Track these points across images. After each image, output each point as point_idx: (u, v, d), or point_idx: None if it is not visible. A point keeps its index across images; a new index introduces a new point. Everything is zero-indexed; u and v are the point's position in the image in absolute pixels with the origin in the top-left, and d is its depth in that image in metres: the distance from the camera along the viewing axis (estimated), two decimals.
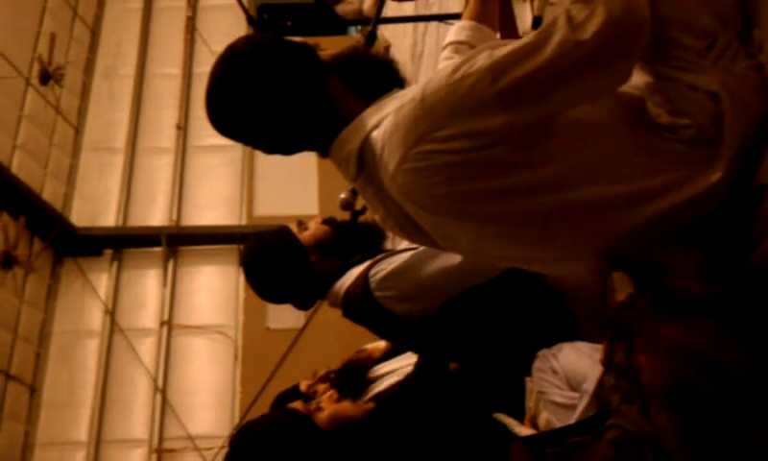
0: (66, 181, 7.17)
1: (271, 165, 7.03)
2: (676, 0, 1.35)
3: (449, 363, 2.39)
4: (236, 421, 6.22)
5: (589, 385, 1.82)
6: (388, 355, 2.78)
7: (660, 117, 1.34)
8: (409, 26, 4.97)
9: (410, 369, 2.53)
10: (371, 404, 2.36)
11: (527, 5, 1.82)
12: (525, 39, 1.29)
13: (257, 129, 1.54)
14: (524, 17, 1.84)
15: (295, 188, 6.91)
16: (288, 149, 1.59)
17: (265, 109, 1.50)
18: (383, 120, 1.43)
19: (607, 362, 1.64)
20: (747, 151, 1.31)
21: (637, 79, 1.38)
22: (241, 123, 1.54)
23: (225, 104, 1.52)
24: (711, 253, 1.37)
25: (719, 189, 1.31)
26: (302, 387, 2.83)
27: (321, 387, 2.78)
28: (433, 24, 4.16)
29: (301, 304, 2.48)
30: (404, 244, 2.25)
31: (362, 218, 2.62)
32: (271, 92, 1.49)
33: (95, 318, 6.72)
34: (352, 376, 2.75)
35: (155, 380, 6.44)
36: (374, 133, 1.44)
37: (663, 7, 1.33)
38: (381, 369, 2.73)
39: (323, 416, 2.24)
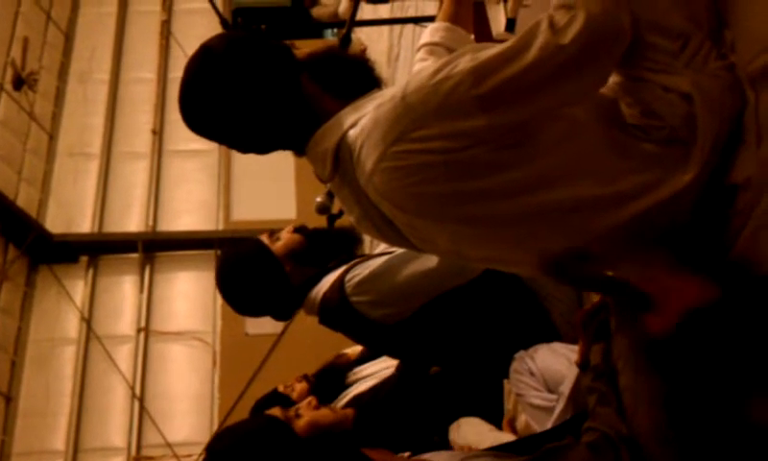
0: (41, 188, 7.09)
1: (248, 170, 7.00)
2: (649, 3, 1.35)
3: (430, 367, 2.39)
4: (215, 427, 6.17)
5: (566, 387, 1.81)
6: (365, 357, 2.77)
7: (633, 118, 1.35)
8: (385, 29, 4.97)
9: (388, 372, 2.52)
10: (350, 411, 2.34)
11: (500, 6, 1.83)
12: (507, 43, 1.30)
13: (231, 127, 1.52)
14: (498, 19, 1.84)
15: (272, 193, 6.87)
16: (263, 147, 1.57)
17: (239, 106, 1.48)
18: (360, 119, 1.42)
19: (583, 364, 1.64)
20: (720, 151, 1.32)
21: (611, 79, 1.38)
22: (215, 121, 1.52)
23: (198, 101, 1.51)
24: (687, 252, 1.38)
25: (692, 190, 1.32)
26: (280, 388, 2.82)
27: (298, 386, 2.78)
28: (409, 27, 4.16)
29: (280, 316, 2.46)
30: (381, 248, 2.25)
31: (338, 221, 2.61)
32: (244, 90, 1.48)
33: (71, 325, 6.65)
34: (331, 378, 2.75)
35: (132, 388, 6.39)
36: (351, 132, 1.43)
37: (637, 9, 1.33)
38: (361, 371, 2.73)
39: (301, 423, 2.22)
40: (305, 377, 2.85)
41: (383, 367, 2.60)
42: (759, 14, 1.28)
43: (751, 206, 1.26)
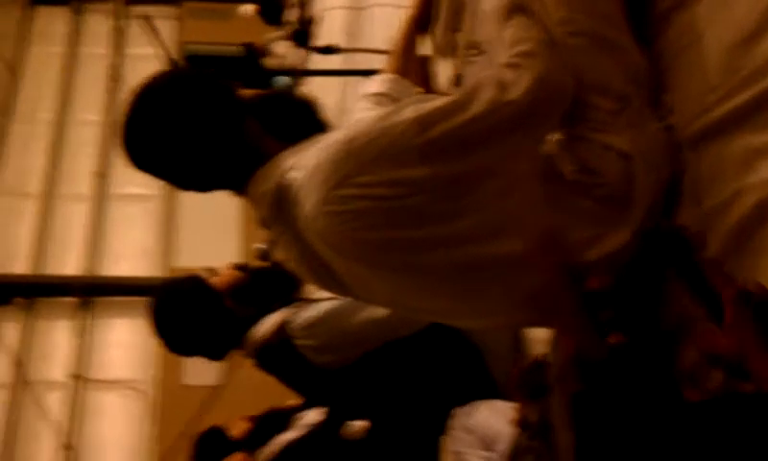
0: None
1: (191, 216, 6.93)
2: (591, 64, 1.38)
3: (363, 418, 2.35)
4: None
5: (503, 446, 1.80)
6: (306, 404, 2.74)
7: (573, 175, 1.36)
8: (334, 81, 5.00)
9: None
10: None
11: (447, 61, 1.84)
12: (454, 96, 1.31)
13: (169, 161, 1.50)
14: (444, 74, 1.86)
15: (215, 240, 6.80)
16: (202, 185, 1.55)
17: (177, 140, 1.47)
18: (302, 162, 1.41)
19: (520, 422, 1.63)
20: (658, 211, 1.34)
21: (551, 137, 1.39)
22: (153, 154, 1.50)
23: (138, 134, 1.49)
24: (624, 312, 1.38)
25: (629, 248, 1.32)
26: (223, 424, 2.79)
27: (240, 426, 2.73)
28: (359, 80, 4.18)
29: (216, 354, 2.40)
30: (324, 292, 2.22)
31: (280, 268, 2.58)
32: (184, 125, 1.46)
33: (2, 369, 6.44)
34: (274, 421, 2.70)
35: (63, 436, 6.19)
36: (292, 175, 1.41)
37: (579, 70, 1.36)
38: (303, 418, 2.68)
39: None
40: (251, 418, 2.81)
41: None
42: (697, 79, 1.31)
43: None
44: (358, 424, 2.33)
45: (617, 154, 1.34)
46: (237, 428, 2.73)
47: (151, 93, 1.49)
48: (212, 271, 2.31)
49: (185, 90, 1.49)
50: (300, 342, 2.12)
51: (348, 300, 2.06)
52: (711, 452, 1.14)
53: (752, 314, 1.01)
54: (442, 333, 2.09)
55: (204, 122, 1.47)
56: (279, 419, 2.70)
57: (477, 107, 1.27)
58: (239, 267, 2.34)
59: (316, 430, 2.45)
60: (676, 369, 1.27)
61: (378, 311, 2.05)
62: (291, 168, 1.41)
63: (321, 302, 2.17)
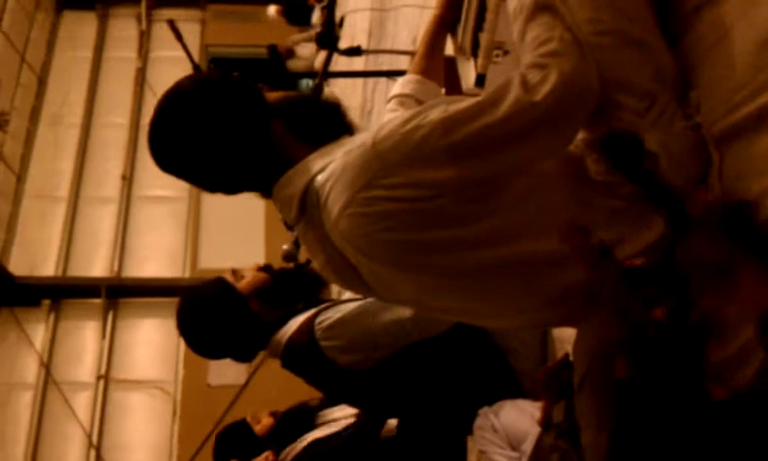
0: (6, 229, 7.01)
1: (216, 217, 6.98)
2: (616, 63, 1.37)
3: (388, 418, 2.36)
4: None
5: (528, 445, 1.79)
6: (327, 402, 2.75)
7: (599, 174, 1.35)
8: (359, 84, 5.01)
9: (351, 420, 2.49)
10: None
11: (471, 62, 1.84)
12: (479, 97, 1.31)
13: (197, 164, 1.51)
14: (468, 74, 1.85)
15: (240, 241, 6.84)
16: (229, 188, 1.56)
17: (204, 144, 1.47)
18: (329, 165, 1.42)
19: (545, 422, 1.63)
20: None
21: (578, 136, 1.39)
22: (181, 157, 1.51)
23: (166, 138, 1.50)
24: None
25: (657, 248, 1.32)
26: (248, 418, 2.81)
27: (264, 420, 2.75)
28: (382, 82, 4.20)
29: (243, 356, 2.42)
30: (348, 294, 2.23)
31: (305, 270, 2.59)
32: (210, 128, 1.47)
33: (30, 370, 6.52)
34: (299, 417, 2.72)
35: (89, 436, 6.25)
36: (319, 177, 1.42)
37: (604, 69, 1.35)
38: (328, 415, 2.69)
39: None
40: (273, 414, 2.83)
41: (349, 413, 2.57)
42: (724, 76, 1.30)
43: None
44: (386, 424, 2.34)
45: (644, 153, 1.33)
46: (262, 424, 2.75)
47: (178, 97, 1.50)
48: (237, 272, 2.32)
49: (213, 93, 1.49)
50: (325, 343, 2.13)
51: (373, 300, 2.07)
52: (738, 453, 1.13)
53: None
54: (466, 333, 2.09)
55: (231, 124, 1.48)
56: (304, 416, 2.71)
57: (503, 108, 1.26)
58: (263, 268, 2.35)
59: (344, 430, 2.46)
60: (704, 365, 1.27)
61: (402, 312, 2.06)
62: (319, 171, 1.42)
63: (346, 303, 2.17)
